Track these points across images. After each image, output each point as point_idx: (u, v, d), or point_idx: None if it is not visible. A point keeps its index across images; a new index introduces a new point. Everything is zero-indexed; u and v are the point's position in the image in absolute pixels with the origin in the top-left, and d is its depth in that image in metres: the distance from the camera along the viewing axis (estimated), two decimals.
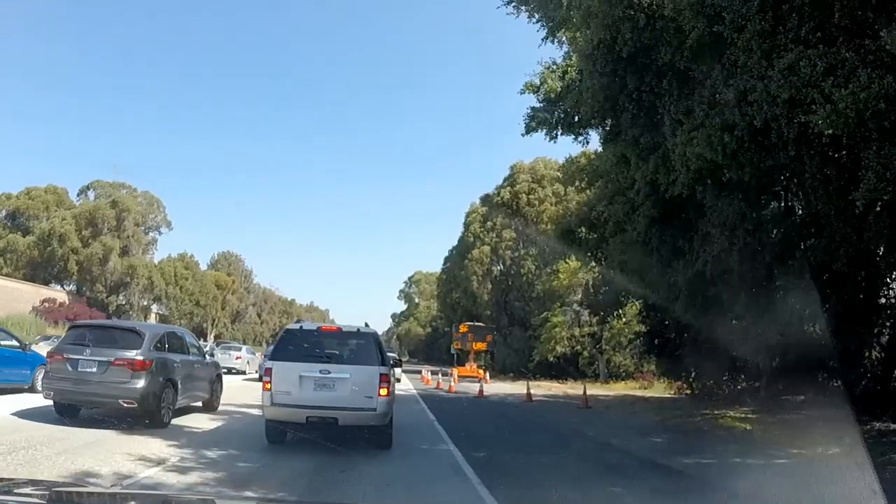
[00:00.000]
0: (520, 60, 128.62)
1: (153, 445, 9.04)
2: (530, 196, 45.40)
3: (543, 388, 30.55)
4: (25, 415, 10.92)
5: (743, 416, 16.71)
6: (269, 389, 9.10)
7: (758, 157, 9.59)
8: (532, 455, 10.38)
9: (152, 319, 72.85)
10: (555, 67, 17.84)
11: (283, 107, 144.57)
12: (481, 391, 23.37)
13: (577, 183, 21.71)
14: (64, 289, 60.01)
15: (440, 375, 31.12)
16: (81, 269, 59.03)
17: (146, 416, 10.38)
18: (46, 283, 57.86)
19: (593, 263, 22.73)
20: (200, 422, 12.05)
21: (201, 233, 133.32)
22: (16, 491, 2.74)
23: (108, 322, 16.24)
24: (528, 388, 22.13)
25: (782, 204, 13.52)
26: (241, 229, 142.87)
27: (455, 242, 54.80)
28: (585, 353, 38.05)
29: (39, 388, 12.18)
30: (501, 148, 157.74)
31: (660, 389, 30.71)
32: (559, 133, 17.72)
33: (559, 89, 17.09)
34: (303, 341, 9.65)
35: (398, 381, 15.80)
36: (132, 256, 61.21)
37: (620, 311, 24.06)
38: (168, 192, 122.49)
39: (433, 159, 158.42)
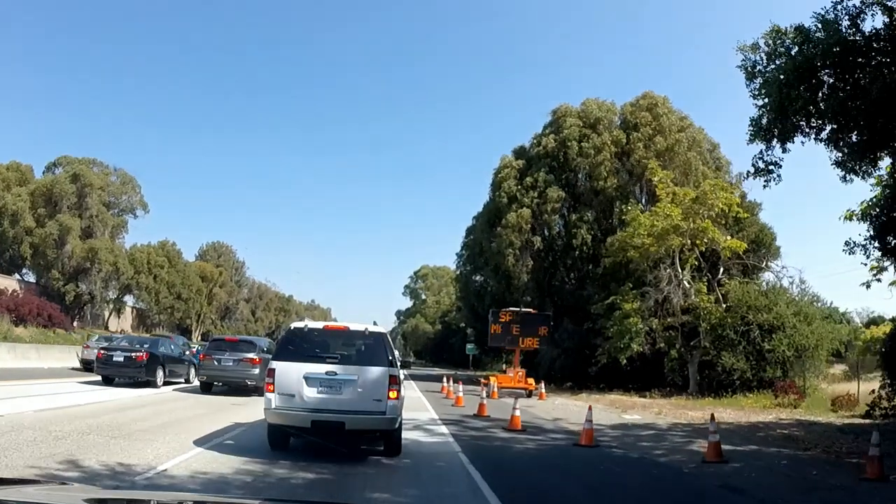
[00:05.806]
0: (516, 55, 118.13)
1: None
2: (583, 144, 34.13)
3: (645, 412, 19.65)
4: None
5: None
6: (272, 392, 8.68)
7: None
8: None
9: (128, 314, 63.39)
10: None
11: (284, 105, 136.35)
12: (590, 435, 11.68)
13: None
14: (20, 275, 50.82)
15: (484, 389, 19.66)
16: (36, 252, 49.24)
17: (258, 390, 16.41)
18: (8, 272, 48.49)
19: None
20: None
21: (198, 227, 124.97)
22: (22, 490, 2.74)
23: (237, 337, 25.54)
24: (713, 422, 10.48)
25: None
26: (238, 223, 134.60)
27: (479, 209, 42.17)
28: (673, 354, 27.27)
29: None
30: (508, 142, 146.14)
31: (821, 408, 20.05)
32: None
33: None
34: (308, 341, 9.31)
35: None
36: (96, 239, 51.04)
37: None
38: (167, 188, 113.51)
39: (438, 152, 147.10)
